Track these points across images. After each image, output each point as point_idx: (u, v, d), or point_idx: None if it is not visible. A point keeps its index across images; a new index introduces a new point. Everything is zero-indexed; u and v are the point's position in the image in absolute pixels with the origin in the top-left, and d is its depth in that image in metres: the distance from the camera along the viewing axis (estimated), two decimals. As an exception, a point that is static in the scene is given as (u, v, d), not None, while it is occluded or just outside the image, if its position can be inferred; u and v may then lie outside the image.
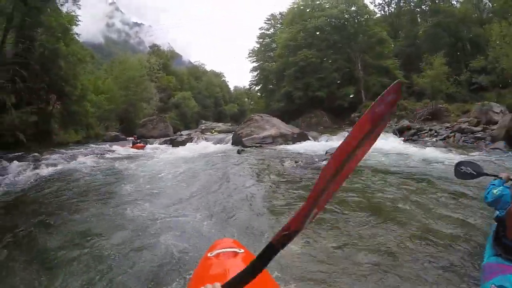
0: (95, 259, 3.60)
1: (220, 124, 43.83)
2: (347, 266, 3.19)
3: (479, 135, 16.40)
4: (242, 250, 1.94)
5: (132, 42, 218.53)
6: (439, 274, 3.04)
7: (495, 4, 30.84)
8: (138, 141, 21.81)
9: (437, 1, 38.12)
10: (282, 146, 15.73)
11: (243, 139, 16.75)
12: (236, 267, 1.66)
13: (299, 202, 5.48)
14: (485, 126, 17.70)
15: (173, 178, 8.14)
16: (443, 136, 17.79)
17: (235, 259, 1.85)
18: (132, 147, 19.51)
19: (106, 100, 32.71)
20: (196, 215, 5.01)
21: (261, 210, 5.30)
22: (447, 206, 5.08)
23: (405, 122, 22.85)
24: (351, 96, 36.38)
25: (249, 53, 57.55)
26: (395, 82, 0.97)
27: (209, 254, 1.97)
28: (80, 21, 25.30)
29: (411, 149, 13.58)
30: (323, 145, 15.06)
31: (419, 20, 41.39)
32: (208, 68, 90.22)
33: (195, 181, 7.56)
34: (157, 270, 3.36)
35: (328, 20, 39.35)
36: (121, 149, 18.15)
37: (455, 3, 38.16)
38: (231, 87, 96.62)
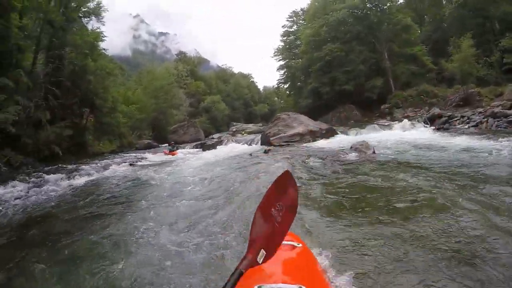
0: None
1: (250, 125, 44.06)
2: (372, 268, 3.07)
3: (513, 118, 15.90)
4: (300, 245, 1.97)
5: (159, 52, 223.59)
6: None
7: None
8: (175, 148, 22.09)
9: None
10: (310, 143, 15.69)
11: (270, 139, 16.81)
12: (292, 260, 1.76)
13: (324, 201, 5.43)
14: (518, 109, 17.13)
15: (197, 185, 8.02)
16: (475, 123, 17.28)
17: (291, 252, 1.88)
18: (168, 154, 19.78)
19: (137, 109, 33.38)
20: (219, 229, 4.66)
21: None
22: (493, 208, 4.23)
23: (436, 110, 22.28)
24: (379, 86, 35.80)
25: (274, 52, 57.54)
26: (284, 171, 1.59)
27: None
28: (105, 36, 26.20)
29: (442, 138, 13.24)
30: (352, 139, 14.90)
31: (443, 2, 40.22)
32: (235, 70, 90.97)
33: (220, 187, 7.47)
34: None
35: (350, 11, 38.62)
36: (152, 157, 18.49)
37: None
38: (261, 87, 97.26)
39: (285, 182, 1.53)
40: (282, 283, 1.40)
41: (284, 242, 1.89)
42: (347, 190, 5.96)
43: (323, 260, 2.74)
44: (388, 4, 39.09)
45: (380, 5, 38.96)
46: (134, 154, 20.50)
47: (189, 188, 7.86)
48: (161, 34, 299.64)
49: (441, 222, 3.94)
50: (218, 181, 8.25)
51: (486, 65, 27.71)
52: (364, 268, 3.06)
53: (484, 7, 31.70)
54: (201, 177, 9.08)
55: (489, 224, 3.71)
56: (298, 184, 5.80)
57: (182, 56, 75.44)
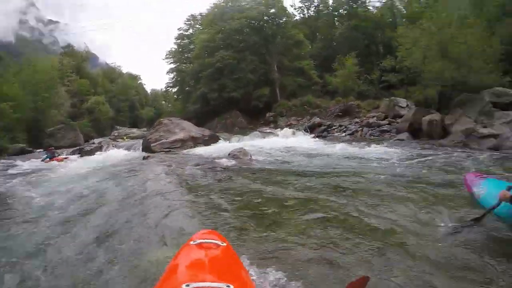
0: None
1: (134, 130, 42.81)
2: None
3: (385, 128, 17.98)
4: (225, 244, 2.01)
5: (45, 41, 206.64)
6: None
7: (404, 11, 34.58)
8: (56, 154, 18.72)
9: (354, 6, 40.20)
10: (191, 150, 15.72)
11: (151, 145, 16.36)
12: (218, 258, 1.81)
13: (195, 207, 5.47)
14: (391, 120, 19.23)
15: (64, 203, 6.81)
16: (351, 131, 19.14)
17: (216, 250, 1.91)
18: (48, 161, 16.82)
19: (12, 108, 30.04)
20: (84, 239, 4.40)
21: (151, 221, 4.97)
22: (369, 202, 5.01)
23: (316, 119, 23.98)
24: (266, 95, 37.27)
25: (166, 54, 56.22)
26: (365, 277, 1.82)
27: (191, 243, 1.99)
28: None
29: (319, 145, 14.79)
30: (232, 146, 15.08)
31: (336, 23, 43.42)
32: (124, 70, 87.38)
33: (88, 206, 6.53)
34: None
35: (248, 21, 39.69)
36: (24, 164, 16.30)
37: (371, 8, 40.77)
38: (148, 90, 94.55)
39: (362, 283, 1.77)
40: (210, 281, 1.42)
41: (209, 240, 2.01)
42: (218, 196, 6.13)
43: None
44: (284, 19, 41.20)
45: (276, 19, 40.73)
46: (3, 161, 18.06)
47: (54, 210, 6.54)
48: (51, 22, 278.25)
49: (303, 224, 4.27)
50: (87, 198, 7.28)
51: (367, 82, 31.01)
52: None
53: (371, 32, 36.54)
54: (73, 193, 7.89)
55: (346, 226, 4.13)
56: (174, 191, 5.61)
57: (69, 50, 70.49)
